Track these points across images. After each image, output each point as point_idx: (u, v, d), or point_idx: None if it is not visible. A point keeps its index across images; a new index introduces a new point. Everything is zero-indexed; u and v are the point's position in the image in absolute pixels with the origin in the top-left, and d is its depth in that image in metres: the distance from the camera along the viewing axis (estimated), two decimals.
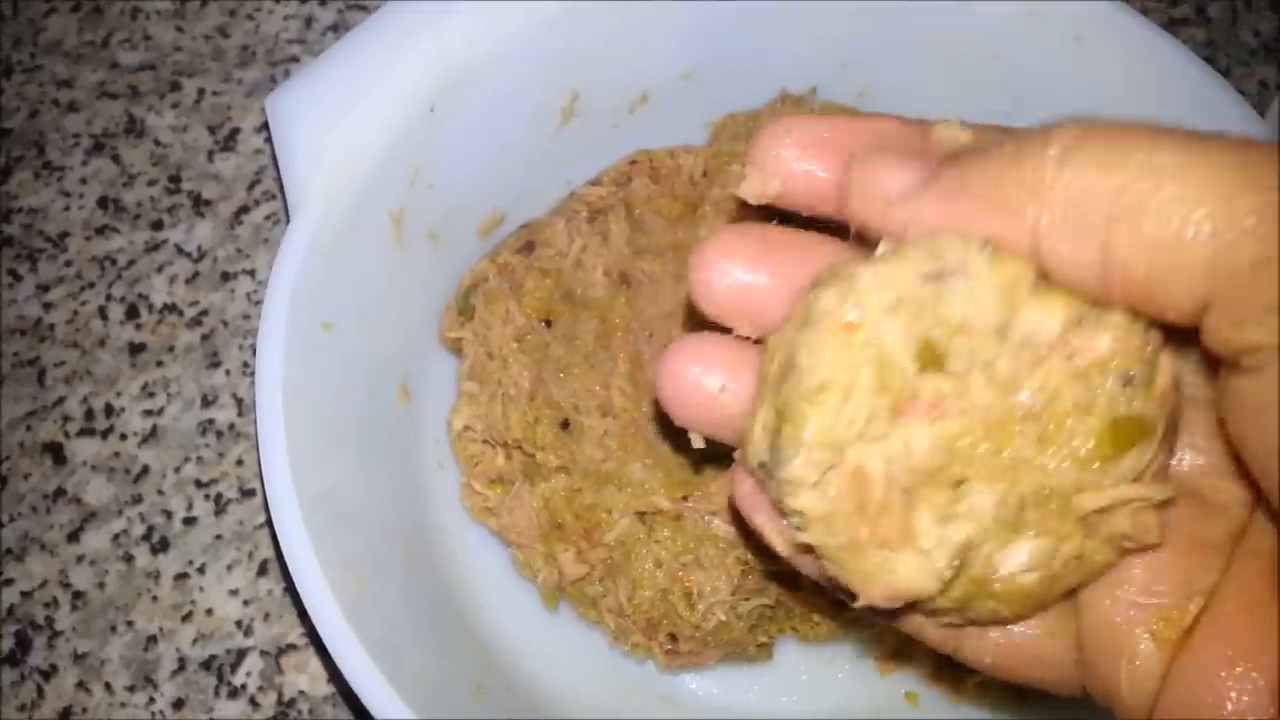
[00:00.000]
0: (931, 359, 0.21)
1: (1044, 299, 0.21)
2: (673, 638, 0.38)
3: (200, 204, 0.52)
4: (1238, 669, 0.22)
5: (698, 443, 0.27)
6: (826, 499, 0.22)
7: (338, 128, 0.38)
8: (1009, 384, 0.21)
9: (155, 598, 0.44)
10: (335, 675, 0.41)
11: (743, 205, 0.27)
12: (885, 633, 0.41)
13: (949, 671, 0.41)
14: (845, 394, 0.21)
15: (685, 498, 0.38)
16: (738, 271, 0.25)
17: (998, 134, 0.25)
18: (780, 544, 0.25)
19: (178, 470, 0.46)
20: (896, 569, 0.22)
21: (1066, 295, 0.21)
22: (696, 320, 0.40)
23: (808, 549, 0.23)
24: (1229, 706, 0.22)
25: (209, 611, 0.43)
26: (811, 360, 0.22)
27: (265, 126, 0.53)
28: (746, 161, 0.26)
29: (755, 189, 0.25)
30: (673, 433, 0.39)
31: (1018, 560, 0.22)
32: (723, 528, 0.38)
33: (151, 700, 0.42)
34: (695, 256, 0.26)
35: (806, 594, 0.39)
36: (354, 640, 0.32)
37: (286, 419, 0.34)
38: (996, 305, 0.21)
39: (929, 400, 0.21)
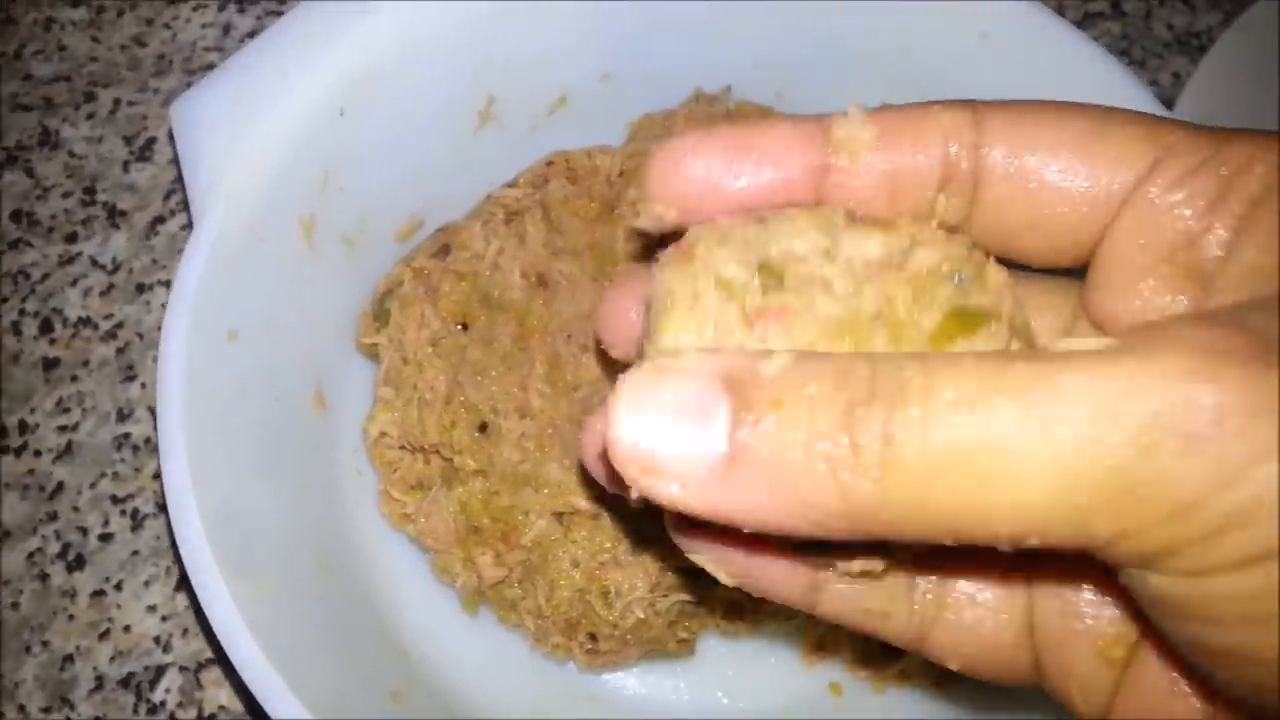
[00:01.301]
0: (771, 277, 0.23)
1: (861, 230, 0.23)
2: (592, 637, 0.38)
3: (115, 215, 0.51)
4: (1180, 688, 0.23)
5: None
6: None
7: (244, 133, 0.38)
8: (849, 294, 0.23)
9: (71, 616, 0.43)
10: (246, 691, 0.41)
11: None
12: (808, 625, 0.41)
13: (872, 661, 0.41)
14: (691, 302, 0.23)
15: (602, 497, 0.38)
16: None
17: (899, 119, 0.25)
18: (605, 477, 0.26)
19: (93, 486, 0.45)
20: None
21: (883, 227, 0.24)
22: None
23: None
24: (1182, 715, 0.23)
25: (126, 628, 0.43)
26: (662, 284, 0.24)
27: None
28: (641, 197, 0.26)
29: (653, 219, 0.26)
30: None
31: None
32: (640, 526, 0.38)
33: None
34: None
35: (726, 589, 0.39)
36: (258, 655, 0.31)
37: (188, 430, 0.33)
38: (817, 235, 0.23)
39: (779, 308, 0.23)
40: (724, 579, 0.25)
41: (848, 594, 0.26)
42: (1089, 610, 0.24)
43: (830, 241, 0.23)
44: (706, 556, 0.25)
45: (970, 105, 0.25)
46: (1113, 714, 0.24)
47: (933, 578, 0.26)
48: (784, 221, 0.24)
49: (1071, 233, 0.25)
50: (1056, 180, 0.24)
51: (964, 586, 0.26)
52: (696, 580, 0.38)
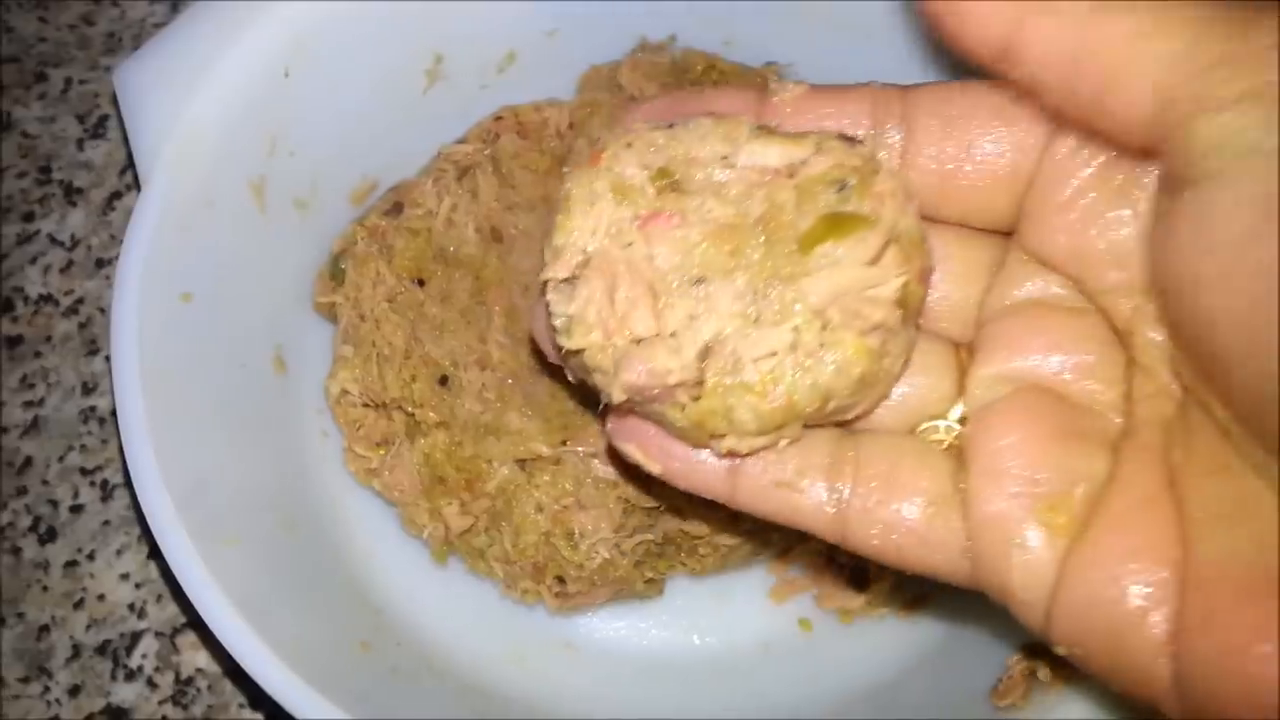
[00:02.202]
0: (667, 182, 0.24)
1: (763, 139, 0.24)
2: (560, 580, 0.39)
3: (72, 193, 0.51)
4: (1137, 563, 0.22)
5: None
6: (580, 298, 0.25)
7: (187, 96, 0.38)
8: (739, 200, 0.24)
9: (45, 587, 0.43)
10: (222, 654, 0.41)
11: None
12: (775, 562, 0.42)
13: (839, 593, 0.41)
14: (588, 203, 0.25)
15: (564, 442, 0.39)
16: None
17: (831, 88, 0.27)
18: (549, 351, 0.27)
19: (61, 459, 0.45)
20: (647, 355, 0.24)
21: (785, 138, 0.24)
22: None
23: (573, 355, 0.25)
24: (1132, 600, 0.22)
25: (100, 597, 0.43)
26: (566, 187, 0.25)
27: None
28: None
29: None
30: (551, 375, 0.40)
31: (763, 347, 0.24)
32: (602, 469, 0.38)
33: (46, 690, 0.41)
34: None
35: (693, 525, 0.39)
36: (228, 609, 0.32)
37: (146, 396, 0.34)
38: (720, 144, 0.24)
39: (668, 213, 0.24)
40: (651, 469, 0.27)
41: (761, 472, 0.26)
42: (1021, 477, 0.24)
43: (731, 149, 0.24)
44: (634, 447, 0.27)
45: (900, 86, 0.27)
46: (1060, 595, 0.23)
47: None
48: (692, 129, 0.25)
49: (996, 192, 0.26)
50: (979, 141, 0.25)
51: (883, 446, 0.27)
52: (661, 520, 0.39)
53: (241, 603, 0.32)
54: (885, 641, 0.41)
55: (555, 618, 0.41)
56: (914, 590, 0.41)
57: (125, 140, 0.52)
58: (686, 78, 0.45)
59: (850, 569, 0.41)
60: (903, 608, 0.41)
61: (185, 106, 0.37)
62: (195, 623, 0.43)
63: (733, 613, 0.42)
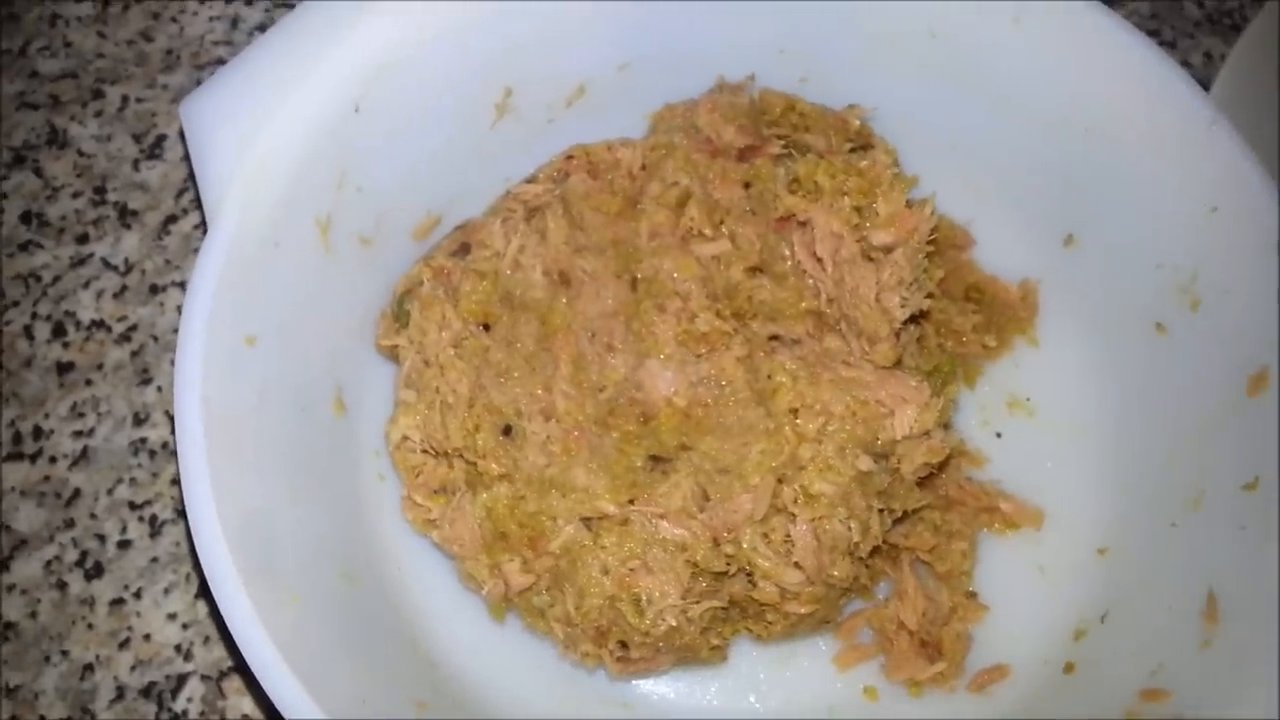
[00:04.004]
0: None
1: None
2: (623, 645, 0.37)
3: (126, 215, 0.50)
4: None
5: None
6: None
7: (256, 131, 0.37)
8: None
9: (90, 625, 0.42)
10: (269, 703, 0.40)
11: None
12: (841, 628, 0.40)
13: (909, 663, 0.40)
14: None
15: (631, 501, 0.37)
16: None
17: None
18: None
19: (110, 492, 0.44)
20: None
21: None
22: (642, 320, 0.39)
23: None
24: None
25: (147, 637, 0.42)
26: None
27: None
28: None
29: None
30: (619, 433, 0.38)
31: None
32: (670, 531, 0.37)
33: None
34: None
35: (762, 590, 0.38)
36: (281, 665, 0.30)
37: (207, 439, 0.33)
38: None
39: None
40: None
41: None
42: None
43: None
44: None
45: None
46: None
47: None
48: None
49: None
50: None
51: None
52: (728, 584, 0.37)
53: (295, 657, 0.31)
54: (955, 716, 0.39)
55: (614, 681, 0.39)
56: (988, 664, 0.39)
57: (182, 161, 0.51)
58: (765, 119, 0.44)
59: (922, 639, 0.40)
60: (974, 682, 0.39)
61: (254, 142, 0.36)
62: (242, 667, 0.41)
63: (795, 678, 0.41)
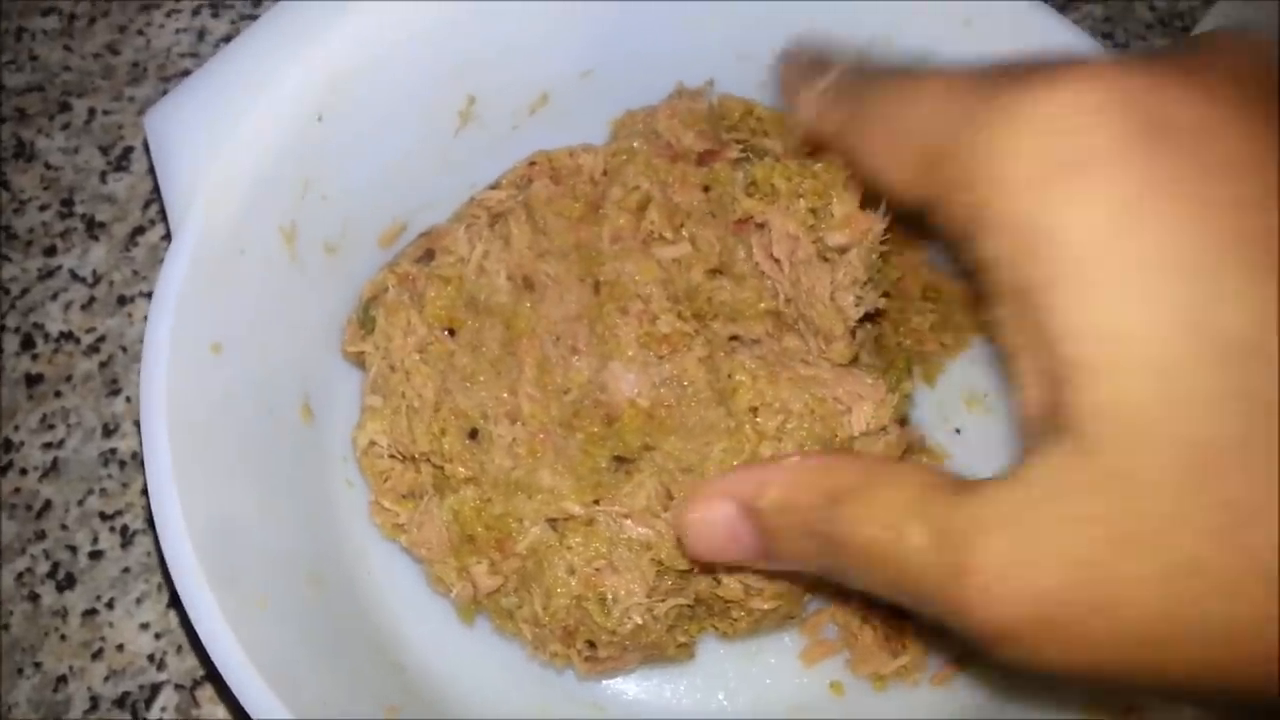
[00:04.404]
0: None
1: None
2: (591, 644, 0.38)
3: (94, 227, 0.50)
4: None
5: None
6: None
7: (220, 141, 0.37)
8: None
9: (64, 636, 0.42)
10: (240, 710, 0.40)
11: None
12: (807, 624, 0.41)
13: (872, 659, 0.41)
14: None
15: (597, 502, 0.38)
16: None
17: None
18: None
19: (81, 503, 0.44)
20: None
21: None
22: (605, 323, 0.40)
23: None
24: None
25: (120, 647, 0.42)
26: None
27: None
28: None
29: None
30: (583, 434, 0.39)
31: None
32: (635, 530, 0.37)
33: None
34: None
35: (726, 588, 0.38)
36: (251, 672, 0.31)
37: (173, 446, 0.33)
38: None
39: None
40: None
41: None
42: None
43: None
44: None
45: None
46: None
47: None
48: None
49: None
50: None
51: None
52: (693, 581, 0.38)
53: (265, 662, 0.32)
54: (919, 708, 0.40)
55: (583, 681, 0.40)
56: (949, 657, 0.40)
57: (148, 173, 0.52)
58: (724, 124, 0.45)
59: (885, 633, 0.40)
60: (938, 675, 0.40)
61: (218, 152, 0.37)
62: (215, 675, 0.42)
63: (762, 675, 0.41)
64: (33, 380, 0.47)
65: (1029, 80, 0.23)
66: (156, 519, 0.32)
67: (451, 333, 0.41)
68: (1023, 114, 0.22)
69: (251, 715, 0.31)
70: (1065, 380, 0.21)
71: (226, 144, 0.37)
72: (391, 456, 0.40)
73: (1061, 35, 0.41)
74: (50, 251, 0.50)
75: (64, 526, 0.44)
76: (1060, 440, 0.21)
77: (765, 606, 0.38)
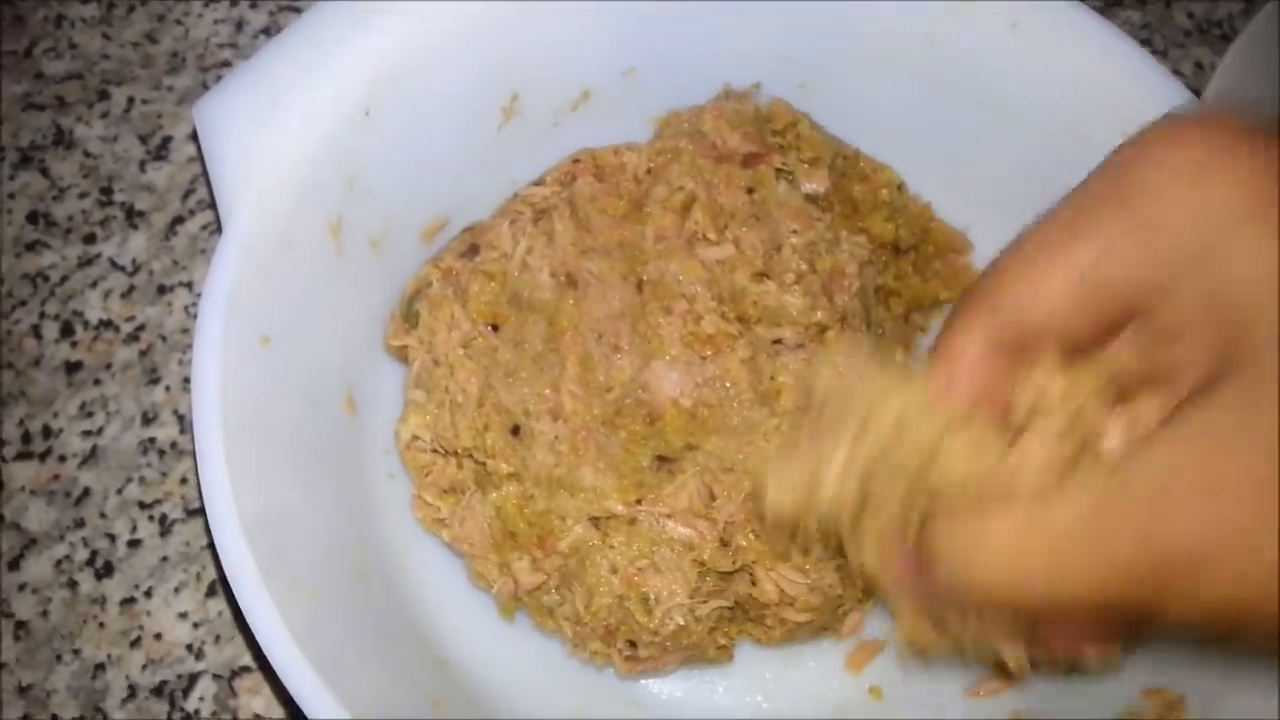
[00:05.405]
0: None
1: None
2: (631, 644, 0.38)
3: (133, 215, 0.50)
4: None
5: None
6: None
7: (269, 135, 0.37)
8: None
9: (102, 624, 0.42)
10: (287, 699, 0.40)
11: None
12: (843, 633, 0.41)
13: (912, 664, 0.40)
14: None
15: (639, 501, 0.38)
16: None
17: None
18: None
19: (120, 491, 0.44)
20: None
21: None
22: (648, 321, 0.40)
23: None
24: None
25: (158, 636, 0.42)
26: None
27: (197, 134, 0.52)
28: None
29: None
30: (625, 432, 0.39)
31: None
32: (678, 530, 0.37)
33: None
34: None
35: (761, 589, 0.38)
36: (303, 663, 0.31)
37: (225, 437, 0.33)
38: None
39: None
40: None
41: None
42: None
43: None
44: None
45: None
46: None
47: None
48: None
49: None
50: None
51: None
52: (734, 583, 0.38)
53: (314, 654, 0.32)
54: (957, 713, 0.40)
55: (622, 680, 0.40)
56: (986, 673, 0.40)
57: (188, 162, 0.52)
58: (769, 128, 0.45)
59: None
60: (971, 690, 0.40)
61: (267, 145, 0.37)
62: (254, 665, 0.42)
63: (801, 678, 0.41)
64: (72, 368, 0.47)
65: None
66: (208, 507, 0.32)
67: (495, 328, 0.41)
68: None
69: (305, 711, 0.31)
70: (1238, 324, 0.23)
71: (275, 138, 0.37)
72: (434, 451, 0.40)
73: (1107, 38, 0.41)
74: (90, 239, 0.50)
75: (103, 514, 0.44)
76: (1232, 378, 0.22)
77: (799, 619, 0.38)
